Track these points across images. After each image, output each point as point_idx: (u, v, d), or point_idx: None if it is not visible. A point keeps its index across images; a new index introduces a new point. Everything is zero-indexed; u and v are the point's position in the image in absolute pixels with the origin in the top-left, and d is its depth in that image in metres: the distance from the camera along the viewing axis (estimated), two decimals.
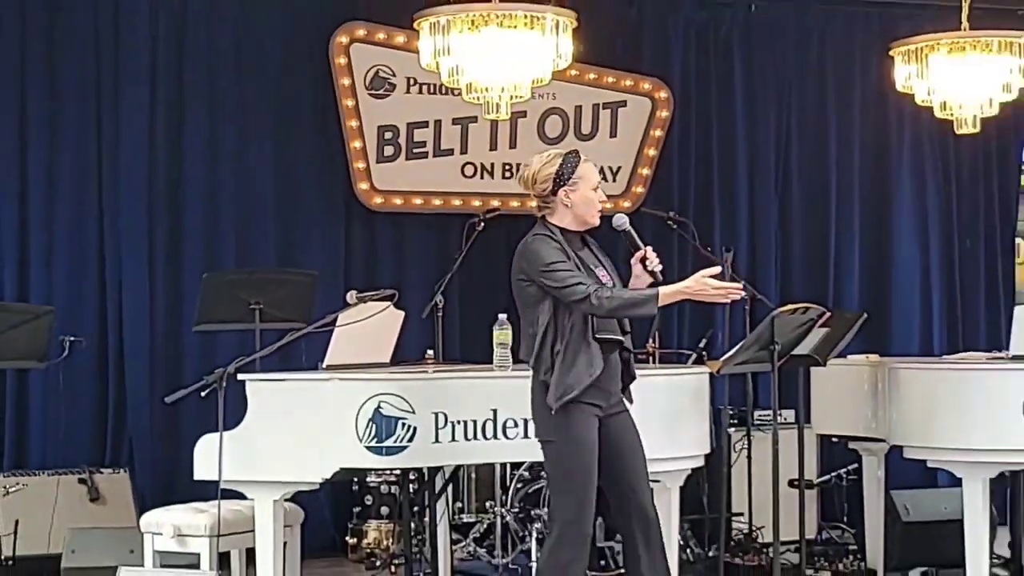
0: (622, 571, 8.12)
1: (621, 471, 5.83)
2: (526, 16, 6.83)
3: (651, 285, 5.78)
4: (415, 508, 7.72)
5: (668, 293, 5.66)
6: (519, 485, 8.50)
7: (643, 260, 5.80)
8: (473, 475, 8.74)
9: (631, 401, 5.90)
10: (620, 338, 5.75)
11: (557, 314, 5.67)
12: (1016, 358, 7.39)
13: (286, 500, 6.52)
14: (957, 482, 7.09)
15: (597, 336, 5.65)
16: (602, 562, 8.26)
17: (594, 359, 5.63)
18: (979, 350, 9.69)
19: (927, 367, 7.66)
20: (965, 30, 7.71)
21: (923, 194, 10.83)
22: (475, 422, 6.35)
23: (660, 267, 5.79)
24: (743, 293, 5.99)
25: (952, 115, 7.80)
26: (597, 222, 5.87)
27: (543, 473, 8.26)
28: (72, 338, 8.26)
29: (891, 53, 7.88)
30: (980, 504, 6.92)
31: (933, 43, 7.63)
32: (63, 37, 9.18)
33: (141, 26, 9.26)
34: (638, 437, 5.86)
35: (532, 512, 8.34)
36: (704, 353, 8.77)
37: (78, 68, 9.19)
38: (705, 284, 5.67)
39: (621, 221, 5.91)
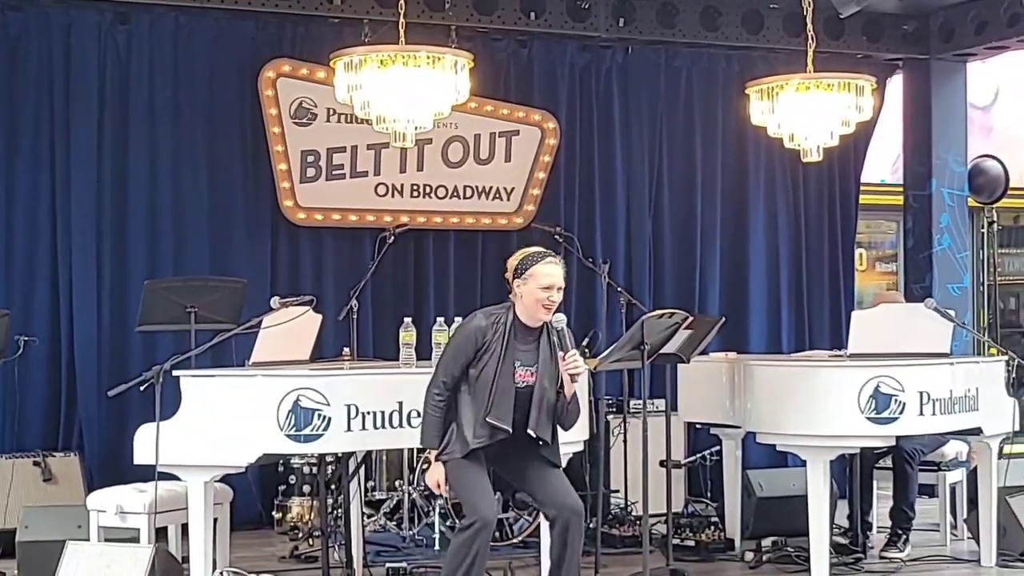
0: (514, 541, 8.17)
1: (538, 477, 5.85)
2: (429, 56, 6.80)
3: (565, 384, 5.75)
4: (332, 487, 7.67)
5: (438, 469, 5.72)
6: (424, 466, 8.45)
7: (569, 372, 5.70)
8: (384, 457, 8.71)
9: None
10: (507, 429, 5.66)
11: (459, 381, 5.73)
12: (854, 356, 7.48)
13: (216, 481, 6.49)
14: (802, 463, 7.16)
15: (488, 419, 5.64)
16: (497, 533, 8.24)
17: (476, 437, 5.64)
18: (823, 349, 9.83)
19: (777, 364, 7.73)
20: (810, 72, 7.77)
21: (775, 213, 10.90)
22: (383, 412, 6.33)
23: (579, 371, 5.71)
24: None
25: (799, 146, 7.86)
26: (543, 318, 5.75)
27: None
28: (27, 338, 8.16)
29: (747, 91, 7.92)
30: (822, 482, 6.99)
31: (783, 83, 7.67)
32: (21, 70, 9.06)
33: (89, 62, 9.14)
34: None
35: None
36: (587, 351, 8.78)
37: (34, 98, 9.07)
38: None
39: (557, 321, 5.78)
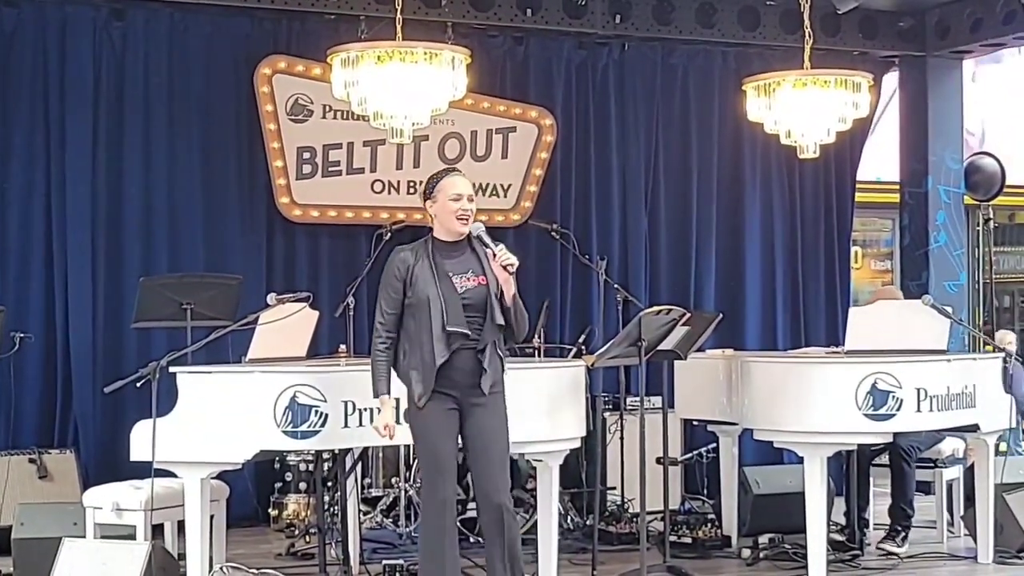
0: None
1: (472, 461, 5.82)
2: (426, 52, 6.81)
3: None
4: (328, 484, 7.66)
5: (386, 410, 5.74)
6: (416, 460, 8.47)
7: (499, 263, 5.70)
8: (380, 454, 8.71)
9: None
10: (465, 331, 5.65)
11: (403, 321, 5.74)
12: (850, 353, 7.47)
13: (212, 478, 6.47)
14: (799, 460, 7.14)
15: (446, 328, 5.62)
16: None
17: (437, 354, 5.61)
18: (819, 346, 9.82)
19: (773, 360, 7.71)
20: (807, 69, 7.77)
21: (771, 210, 10.90)
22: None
23: (511, 261, 5.69)
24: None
25: (796, 142, 7.85)
26: (460, 230, 5.78)
27: None
28: (22, 334, 8.14)
29: (744, 88, 7.92)
30: (819, 479, 6.97)
31: (780, 79, 7.68)
32: (15, 67, 9.03)
33: (84, 59, 9.12)
34: (495, 429, 5.78)
35: None
36: (583, 347, 8.79)
37: (29, 95, 9.05)
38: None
39: (475, 227, 5.82)
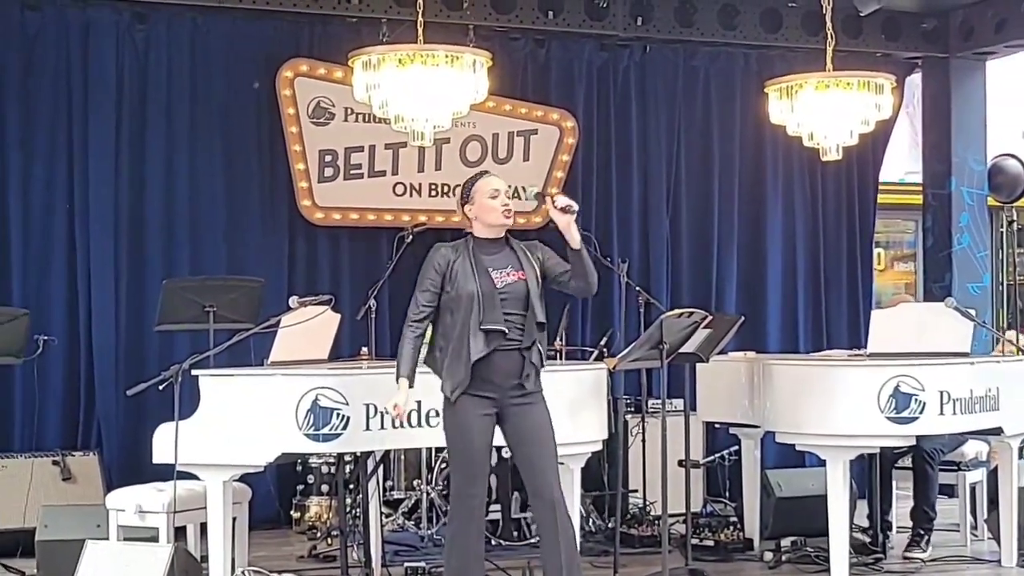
0: (532, 541, 8.15)
1: (523, 458, 5.81)
2: (447, 55, 6.79)
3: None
4: (350, 486, 7.67)
5: (400, 392, 5.70)
6: (443, 465, 8.48)
7: (557, 206, 5.70)
8: (402, 457, 8.72)
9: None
10: (502, 328, 5.66)
11: (440, 316, 5.76)
12: (873, 355, 7.45)
13: (235, 480, 6.49)
14: (821, 463, 7.13)
15: (482, 327, 5.64)
16: (515, 532, 8.25)
17: (473, 350, 5.62)
18: (841, 348, 9.79)
19: (795, 363, 7.70)
20: (830, 71, 7.75)
21: (793, 212, 10.89)
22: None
23: (567, 203, 5.69)
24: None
25: (818, 144, 7.83)
26: (504, 222, 5.84)
27: None
28: (45, 337, 8.17)
29: (766, 90, 7.89)
30: (841, 482, 6.96)
31: (802, 82, 7.66)
32: (38, 70, 9.07)
33: (107, 62, 9.16)
34: (544, 426, 5.80)
35: None
36: (605, 350, 8.78)
37: (52, 98, 9.09)
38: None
39: (531, 192, 5.98)
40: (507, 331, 5.67)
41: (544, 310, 5.79)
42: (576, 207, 5.73)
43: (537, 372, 5.78)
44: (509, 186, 6.00)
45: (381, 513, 7.73)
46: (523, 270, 5.77)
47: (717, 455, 9.37)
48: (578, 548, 5.90)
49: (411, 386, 5.73)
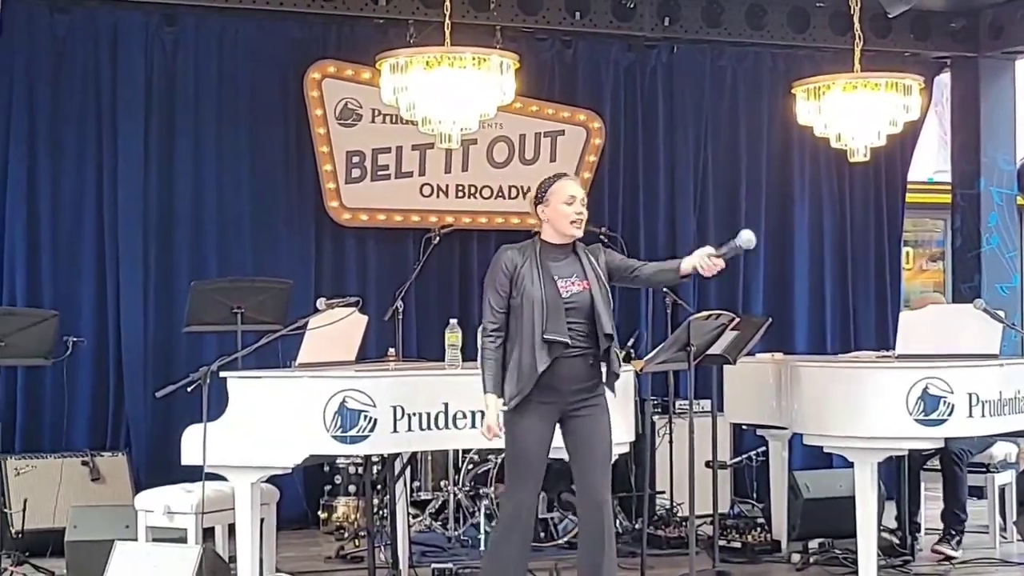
0: (559, 542, 8.16)
1: (576, 461, 5.81)
2: (474, 57, 6.81)
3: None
4: (377, 487, 7.68)
5: (491, 411, 5.67)
6: (469, 467, 8.49)
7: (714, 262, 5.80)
8: (429, 458, 8.73)
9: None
10: (564, 339, 5.64)
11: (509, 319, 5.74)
12: (901, 357, 7.42)
13: (262, 482, 6.50)
14: (849, 464, 7.11)
15: (545, 337, 5.62)
16: (543, 533, 8.25)
17: (538, 361, 5.60)
18: (869, 349, 9.76)
19: (823, 365, 7.67)
20: (857, 72, 7.73)
21: (820, 211, 10.86)
22: (428, 414, 6.33)
23: (709, 273, 5.84)
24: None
25: (846, 146, 7.81)
26: (573, 232, 5.81)
27: (490, 456, 8.28)
28: (75, 338, 8.22)
29: (794, 91, 7.89)
30: (869, 484, 6.93)
31: (830, 82, 7.65)
32: (67, 72, 9.13)
33: (136, 64, 9.21)
34: (603, 431, 5.82)
35: (481, 490, 8.34)
36: (632, 351, 8.77)
37: (81, 99, 9.14)
38: None
39: (748, 239, 6.00)
40: (569, 342, 5.65)
41: (612, 319, 5.78)
42: (720, 268, 5.88)
43: (604, 380, 5.81)
44: (532, 188, 5.99)
45: (408, 514, 7.74)
46: (587, 279, 5.76)
47: (744, 456, 9.37)
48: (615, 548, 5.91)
49: (502, 400, 5.69)
